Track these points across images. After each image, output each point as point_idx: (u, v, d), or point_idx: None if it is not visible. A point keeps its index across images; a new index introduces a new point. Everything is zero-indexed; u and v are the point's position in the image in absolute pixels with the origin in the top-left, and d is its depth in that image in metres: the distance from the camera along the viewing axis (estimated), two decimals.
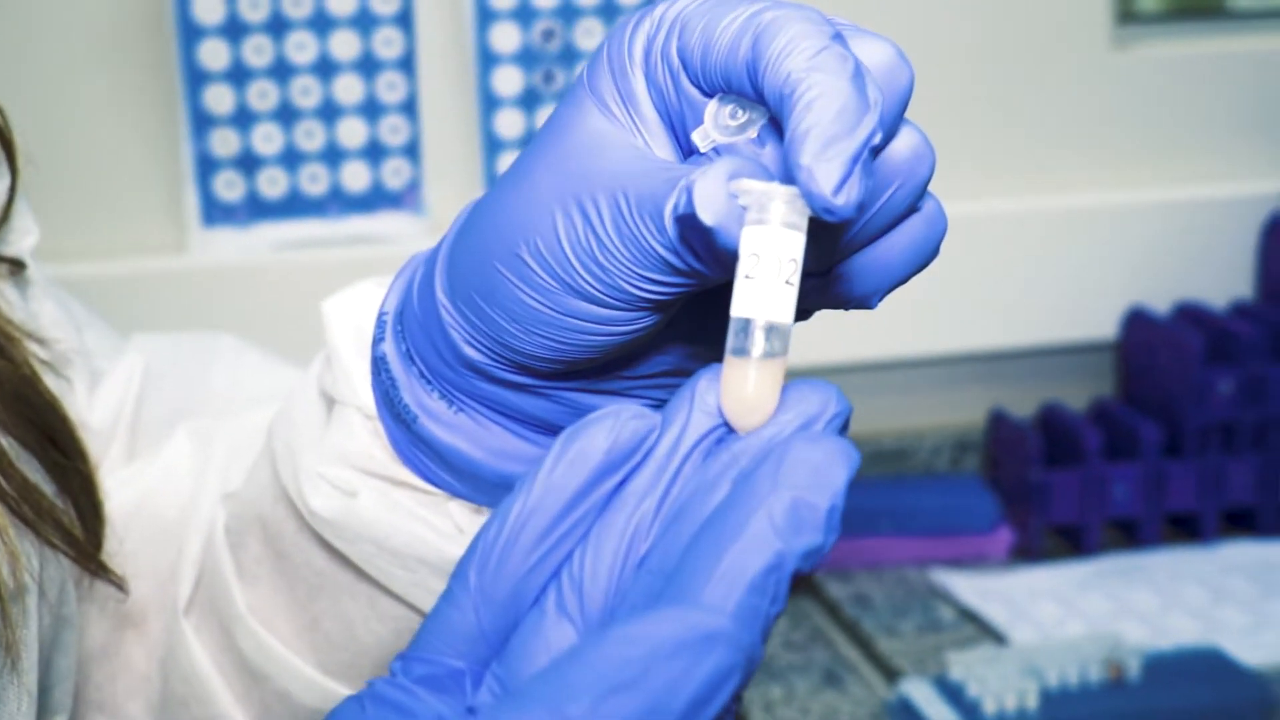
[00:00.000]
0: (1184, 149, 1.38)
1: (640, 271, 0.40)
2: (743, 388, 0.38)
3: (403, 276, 0.48)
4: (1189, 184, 1.37)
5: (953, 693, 1.00)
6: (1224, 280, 1.36)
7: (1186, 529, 1.28)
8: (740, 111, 0.40)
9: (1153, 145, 1.37)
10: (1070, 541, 1.26)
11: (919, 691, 1.01)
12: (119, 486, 0.59)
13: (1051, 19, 1.33)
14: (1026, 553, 1.25)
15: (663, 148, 0.42)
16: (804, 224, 0.38)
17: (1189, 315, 1.32)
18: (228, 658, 0.56)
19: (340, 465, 0.49)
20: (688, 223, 0.38)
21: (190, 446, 0.59)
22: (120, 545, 0.56)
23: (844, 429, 0.39)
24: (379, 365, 0.48)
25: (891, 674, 1.09)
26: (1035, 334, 1.34)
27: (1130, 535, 1.27)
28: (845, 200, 0.36)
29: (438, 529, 0.49)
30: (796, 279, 0.38)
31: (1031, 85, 1.33)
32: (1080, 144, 1.35)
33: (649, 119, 0.41)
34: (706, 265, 0.39)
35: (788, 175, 0.37)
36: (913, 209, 0.41)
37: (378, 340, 0.48)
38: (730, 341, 0.38)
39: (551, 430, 0.46)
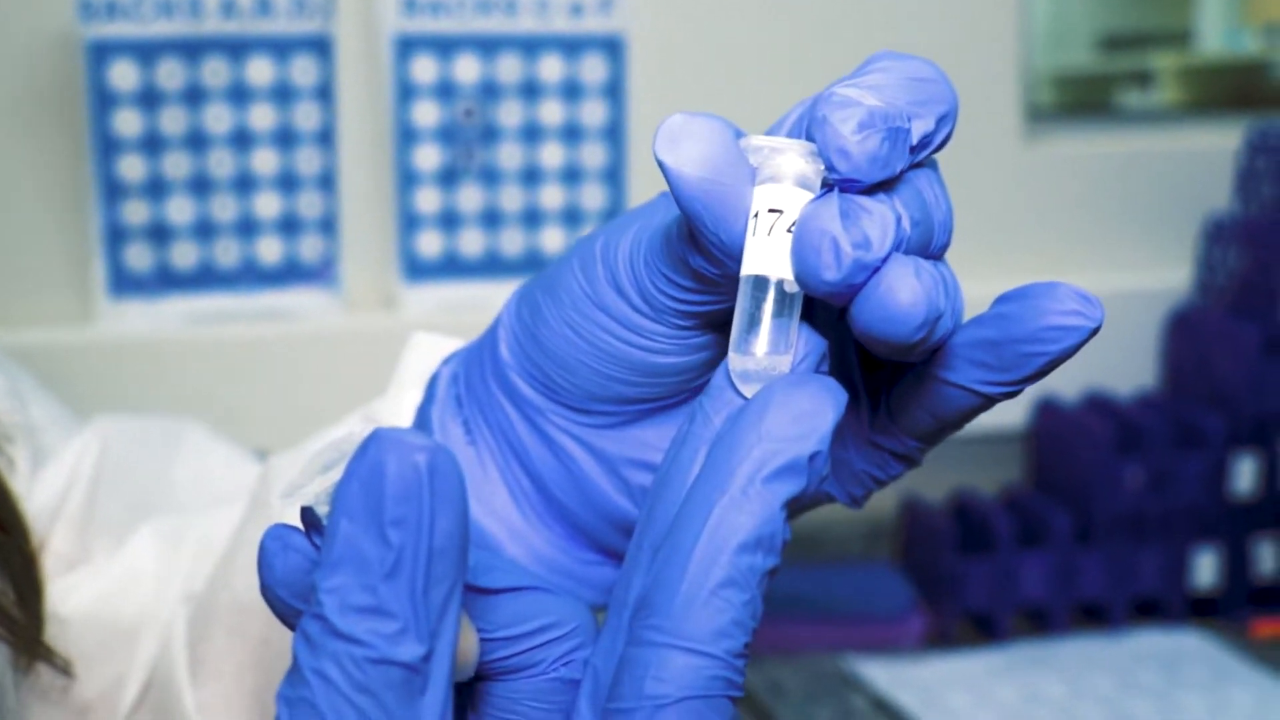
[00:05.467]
0: (1092, 241, 1.41)
1: (664, 271, 0.38)
2: (753, 350, 0.36)
3: None
4: (1097, 275, 1.39)
5: None
6: (1130, 371, 1.38)
7: (1095, 617, 1.29)
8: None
9: (1062, 237, 1.39)
10: (982, 629, 1.27)
11: None
12: (76, 585, 0.57)
13: (963, 112, 1.35)
14: (939, 639, 1.25)
15: None
16: (818, 184, 0.36)
17: (1097, 405, 1.34)
18: None
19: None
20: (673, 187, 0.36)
21: (155, 548, 0.57)
22: (73, 646, 0.54)
23: (820, 364, 0.37)
24: (430, 384, 0.46)
25: None
26: None
27: (1041, 623, 1.27)
28: (864, 150, 0.35)
29: None
30: None
31: (945, 178, 1.35)
32: (991, 236, 1.37)
33: None
34: (693, 244, 0.37)
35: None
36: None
37: (443, 364, 0.47)
38: (740, 301, 0.36)
39: (538, 486, 0.44)
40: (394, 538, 0.31)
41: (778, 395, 0.35)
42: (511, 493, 0.44)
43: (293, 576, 0.35)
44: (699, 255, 0.37)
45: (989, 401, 0.39)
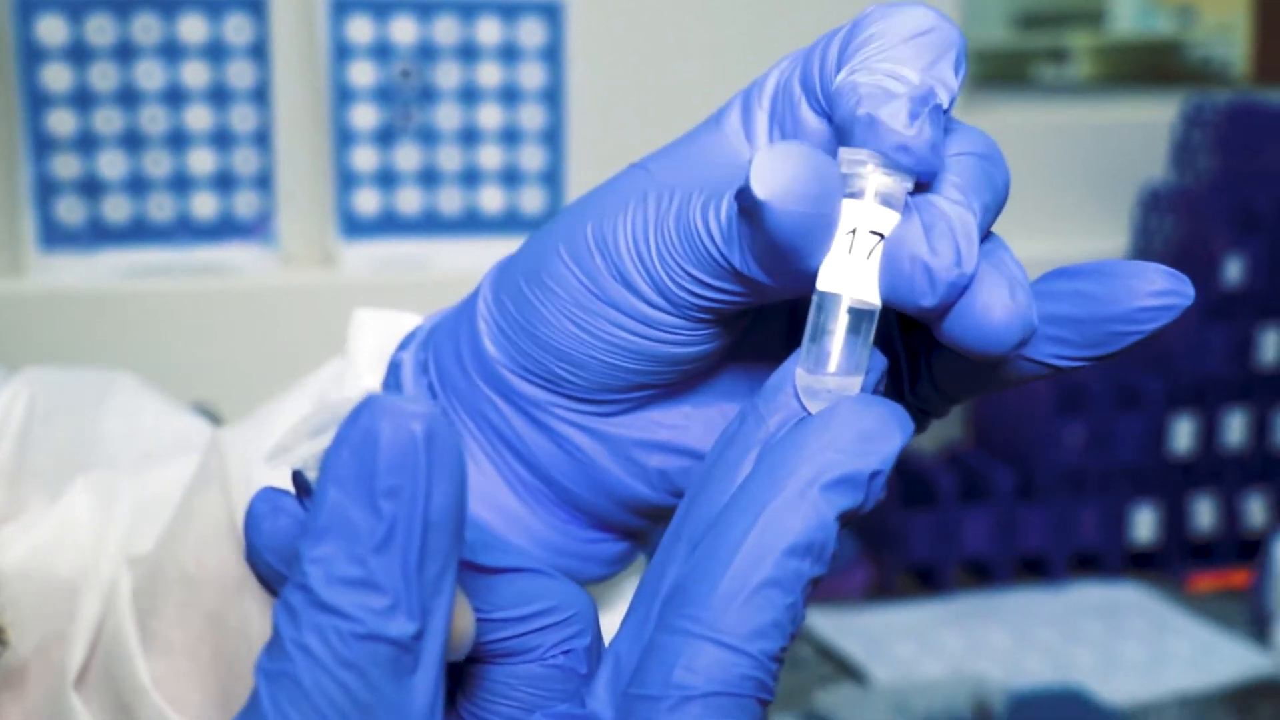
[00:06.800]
0: (1032, 209, 1.42)
1: (688, 269, 0.36)
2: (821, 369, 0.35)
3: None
4: (1036, 242, 1.40)
5: None
6: None
7: (1036, 570, 1.29)
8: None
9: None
10: (924, 581, 1.27)
11: None
12: (9, 540, 0.54)
13: None
14: (880, 591, 1.24)
15: None
16: (900, 199, 0.35)
17: None
18: None
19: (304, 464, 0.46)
20: (744, 201, 0.34)
21: (90, 502, 0.55)
22: (9, 604, 0.52)
23: (879, 383, 0.36)
24: (391, 372, 0.44)
25: None
26: None
27: (983, 576, 1.27)
28: (923, 140, 0.34)
29: None
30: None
31: None
32: None
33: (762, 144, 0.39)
34: (757, 262, 0.35)
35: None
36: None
37: (400, 349, 0.44)
38: (813, 316, 0.35)
39: (540, 475, 0.42)
40: (386, 509, 0.29)
41: (846, 410, 0.34)
42: (507, 482, 0.42)
43: (280, 540, 0.34)
44: (766, 273, 0.35)
45: (1057, 373, 0.38)
